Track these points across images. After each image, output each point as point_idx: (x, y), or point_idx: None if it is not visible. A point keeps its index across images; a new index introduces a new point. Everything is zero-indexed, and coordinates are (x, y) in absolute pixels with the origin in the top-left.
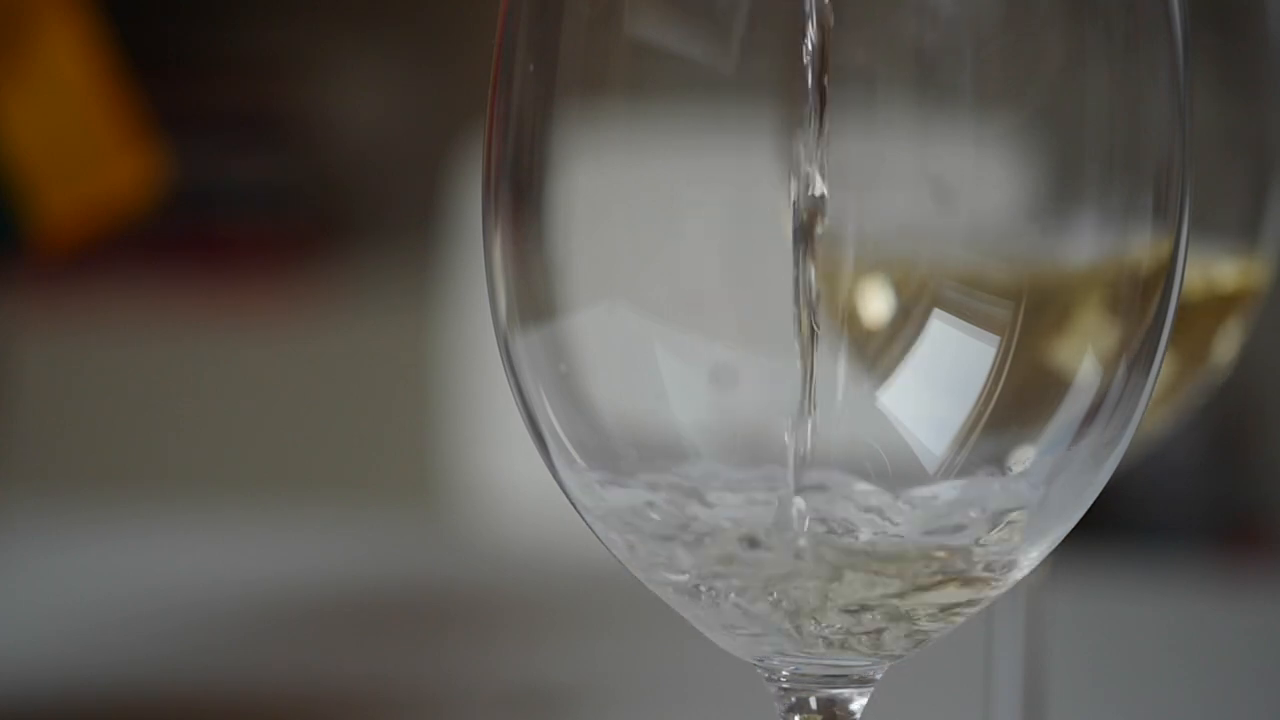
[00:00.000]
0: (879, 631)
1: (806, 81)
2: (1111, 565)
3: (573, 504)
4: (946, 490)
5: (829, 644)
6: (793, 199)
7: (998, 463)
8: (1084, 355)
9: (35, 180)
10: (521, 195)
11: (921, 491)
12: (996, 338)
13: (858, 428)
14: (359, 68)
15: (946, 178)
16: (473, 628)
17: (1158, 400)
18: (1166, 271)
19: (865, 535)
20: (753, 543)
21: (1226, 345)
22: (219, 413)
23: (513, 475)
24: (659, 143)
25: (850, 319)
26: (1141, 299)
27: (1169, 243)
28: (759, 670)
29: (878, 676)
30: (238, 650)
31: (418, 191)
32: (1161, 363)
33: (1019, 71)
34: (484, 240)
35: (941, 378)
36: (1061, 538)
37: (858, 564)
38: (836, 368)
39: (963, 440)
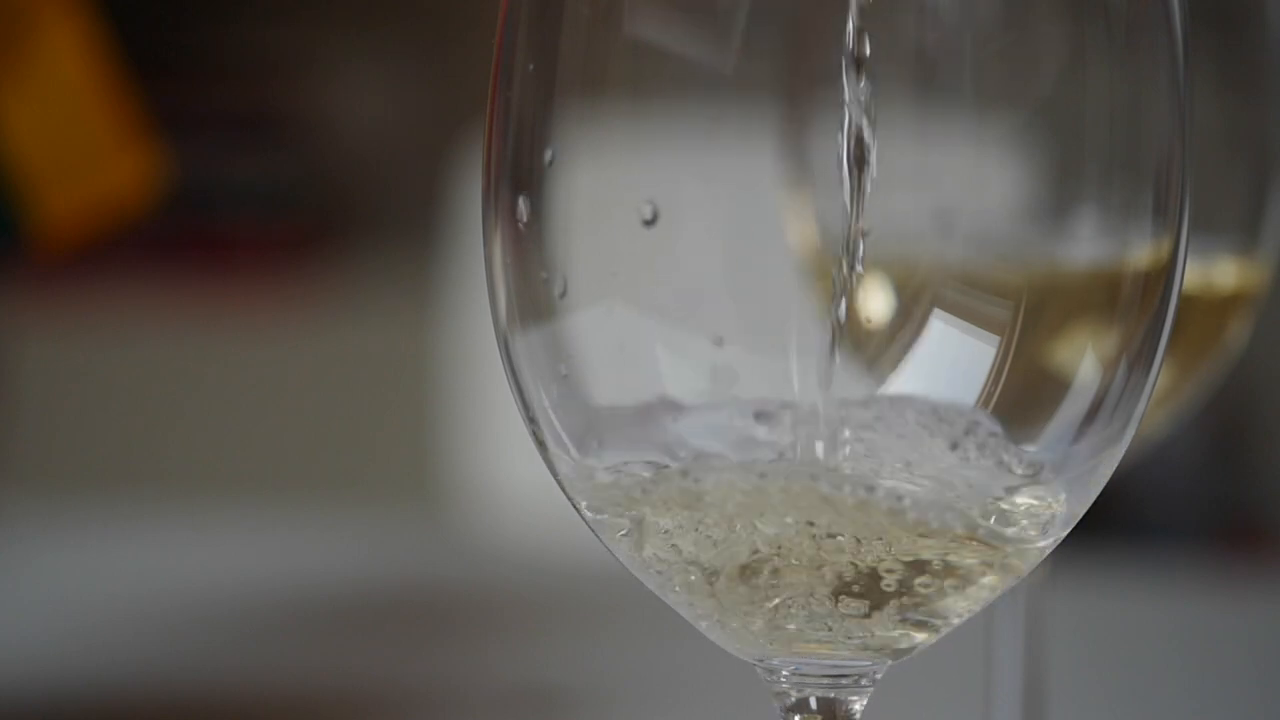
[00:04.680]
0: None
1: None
2: (1111, 565)
3: (572, 503)
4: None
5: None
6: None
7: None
8: (1084, 355)
9: (35, 180)
10: (521, 195)
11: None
12: (996, 338)
13: (857, 426)
14: (359, 68)
15: (946, 178)
16: (473, 628)
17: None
18: (1166, 271)
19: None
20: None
21: (1226, 345)
22: (219, 413)
23: (513, 475)
24: (659, 143)
25: (850, 318)
26: (1141, 299)
27: (1169, 243)
28: (759, 670)
29: (878, 676)
30: (238, 650)
31: (418, 191)
32: (1161, 363)
33: (1019, 71)
34: (484, 240)
35: (941, 378)
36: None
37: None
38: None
39: (963, 440)
